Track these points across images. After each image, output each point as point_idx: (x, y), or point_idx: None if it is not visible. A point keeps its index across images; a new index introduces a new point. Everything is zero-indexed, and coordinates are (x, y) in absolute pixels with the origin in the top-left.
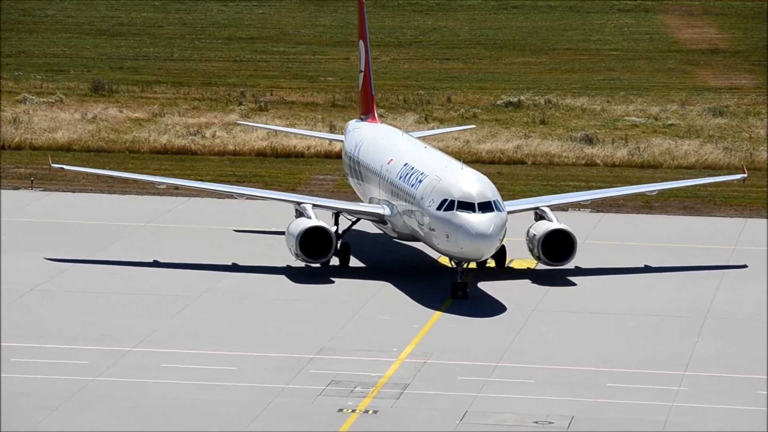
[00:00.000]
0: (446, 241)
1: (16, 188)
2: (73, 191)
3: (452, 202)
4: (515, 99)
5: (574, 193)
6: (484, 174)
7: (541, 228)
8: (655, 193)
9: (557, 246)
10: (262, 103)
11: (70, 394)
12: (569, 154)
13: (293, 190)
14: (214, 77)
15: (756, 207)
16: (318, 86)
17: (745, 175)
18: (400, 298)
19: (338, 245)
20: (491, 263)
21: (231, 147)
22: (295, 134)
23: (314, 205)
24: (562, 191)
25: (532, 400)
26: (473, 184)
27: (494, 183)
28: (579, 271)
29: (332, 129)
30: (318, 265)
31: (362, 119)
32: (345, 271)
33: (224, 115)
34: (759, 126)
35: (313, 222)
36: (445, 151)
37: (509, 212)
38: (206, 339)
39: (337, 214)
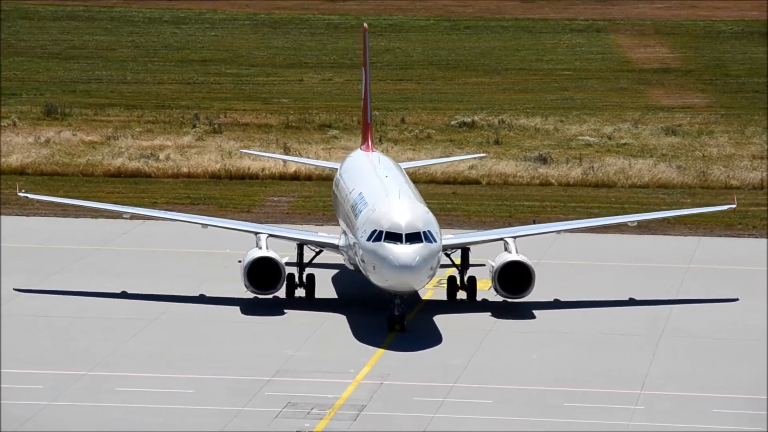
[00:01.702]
0: (373, 272)
1: None
2: (27, 215)
3: (381, 232)
4: (469, 119)
5: (551, 223)
6: (438, 194)
7: (499, 260)
8: (635, 224)
9: (515, 278)
10: (216, 125)
11: (24, 419)
12: (524, 174)
13: (248, 212)
14: (168, 100)
15: (709, 225)
16: (272, 108)
17: (734, 206)
18: (341, 333)
19: (303, 277)
20: (462, 295)
21: (185, 169)
22: (289, 161)
23: (272, 235)
24: (516, 211)
25: (489, 421)
26: (404, 214)
27: (448, 203)
28: (535, 294)
29: (286, 150)
30: (268, 296)
31: (361, 148)
32: (297, 304)
33: (177, 138)
34: (711, 144)
35: (262, 253)
36: (411, 175)
37: (472, 243)
38: (162, 362)
39: (300, 245)
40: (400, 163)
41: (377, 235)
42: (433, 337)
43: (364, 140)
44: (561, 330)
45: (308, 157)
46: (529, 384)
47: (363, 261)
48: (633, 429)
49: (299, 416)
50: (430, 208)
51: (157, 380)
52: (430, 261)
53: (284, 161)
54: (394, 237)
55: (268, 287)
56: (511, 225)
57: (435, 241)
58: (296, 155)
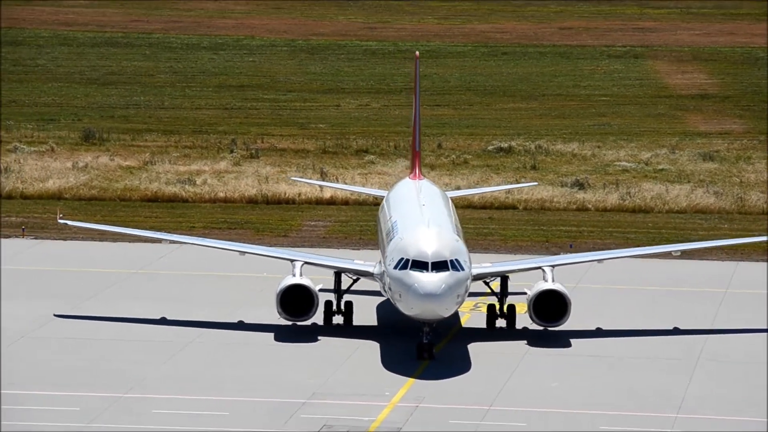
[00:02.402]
0: (400, 300)
1: (8, 237)
2: (65, 239)
3: (407, 261)
4: (506, 144)
5: (592, 252)
6: (475, 219)
7: (535, 288)
8: (678, 254)
9: (551, 307)
10: (253, 151)
11: None
12: (560, 200)
13: (285, 237)
14: (205, 125)
15: (747, 250)
16: (309, 133)
17: (766, 237)
18: (371, 362)
19: (341, 304)
20: (502, 323)
21: (222, 194)
22: (339, 189)
23: (307, 263)
24: (553, 236)
25: None
26: (431, 242)
27: (485, 228)
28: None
29: (323, 176)
30: (301, 323)
31: (409, 176)
32: (332, 330)
33: (214, 163)
34: (749, 170)
35: (295, 280)
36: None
37: (510, 271)
38: (198, 384)
39: (337, 272)
40: (447, 192)
41: (404, 263)
42: (466, 364)
43: (413, 168)
44: (597, 354)
45: (354, 184)
46: (563, 408)
47: (390, 289)
48: None
49: None
50: (466, 232)
51: (192, 402)
52: (456, 289)
53: (324, 187)
54: (420, 265)
55: (301, 314)
56: (548, 249)
57: (462, 269)
58: (336, 181)
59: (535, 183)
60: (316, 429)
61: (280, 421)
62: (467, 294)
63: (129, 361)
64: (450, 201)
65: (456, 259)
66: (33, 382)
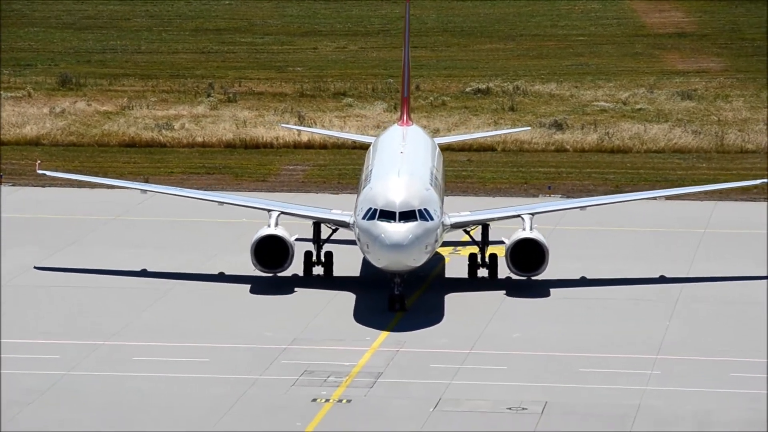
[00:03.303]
0: (368, 252)
1: None
2: (43, 186)
3: (375, 211)
4: (484, 86)
5: (571, 200)
6: (454, 161)
7: (512, 237)
8: (663, 198)
9: (529, 256)
10: (231, 95)
11: (42, 389)
12: (539, 141)
13: (263, 181)
14: (182, 69)
15: (725, 190)
16: (286, 76)
17: (766, 180)
18: (349, 311)
19: (321, 254)
20: (483, 273)
21: (200, 139)
22: (329, 135)
23: (283, 213)
24: (532, 178)
25: (505, 387)
26: (400, 192)
27: (463, 171)
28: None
29: (300, 119)
30: (279, 274)
31: (398, 123)
32: (309, 281)
33: (192, 107)
34: (727, 109)
35: (269, 231)
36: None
37: (488, 220)
38: (178, 332)
39: (316, 222)
40: (436, 138)
41: (372, 214)
42: (442, 314)
43: (402, 114)
44: (575, 297)
45: (331, 128)
46: (544, 351)
47: (359, 240)
48: (648, 395)
49: (316, 384)
50: (446, 175)
51: (172, 350)
52: (425, 239)
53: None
54: (387, 215)
55: (275, 266)
56: (526, 192)
57: (432, 219)
58: (315, 126)
59: (528, 128)
60: (297, 374)
61: (261, 366)
62: (439, 244)
63: (108, 310)
64: (437, 149)
65: (425, 209)
66: (12, 330)
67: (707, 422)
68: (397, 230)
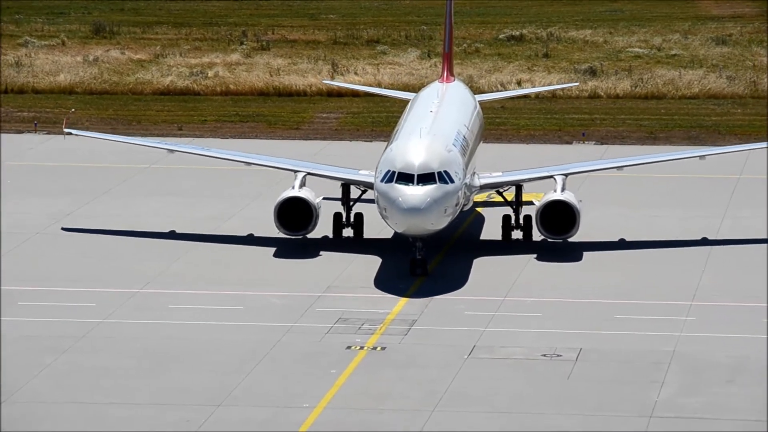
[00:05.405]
0: (386, 215)
1: (20, 132)
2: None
3: (393, 173)
4: (517, 33)
5: (606, 159)
6: (488, 108)
7: (543, 199)
8: (698, 157)
9: (559, 218)
10: (264, 42)
11: (78, 336)
12: (573, 87)
13: (297, 129)
14: (216, 17)
15: (760, 135)
16: (319, 24)
17: None
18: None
19: (351, 216)
20: (518, 235)
21: (233, 87)
22: (370, 92)
23: (309, 173)
24: (566, 125)
25: (539, 334)
26: (419, 154)
27: (497, 117)
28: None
29: (334, 67)
30: (301, 236)
31: (438, 80)
32: (336, 245)
33: (225, 55)
34: (762, 54)
35: (293, 192)
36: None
37: (521, 180)
38: (213, 280)
39: (344, 184)
40: (482, 96)
41: (390, 176)
42: (474, 268)
43: (442, 71)
44: (610, 246)
45: (365, 75)
46: (578, 298)
47: (378, 203)
48: (683, 341)
49: (350, 331)
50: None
51: (207, 298)
52: (444, 203)
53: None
54: (405, 178)
55: (299, 228)
56: (560, 138)
57: (452, 181)
58: (352, 74)
59: (576, 83)
60: (331, 322)
61: (296, 314)
62: (464, 207)
63: (143, 258)
64: (476, 108)
65: (445, 171)
66: (47, 278)
67: (741, 367)
68: (414, 193)
